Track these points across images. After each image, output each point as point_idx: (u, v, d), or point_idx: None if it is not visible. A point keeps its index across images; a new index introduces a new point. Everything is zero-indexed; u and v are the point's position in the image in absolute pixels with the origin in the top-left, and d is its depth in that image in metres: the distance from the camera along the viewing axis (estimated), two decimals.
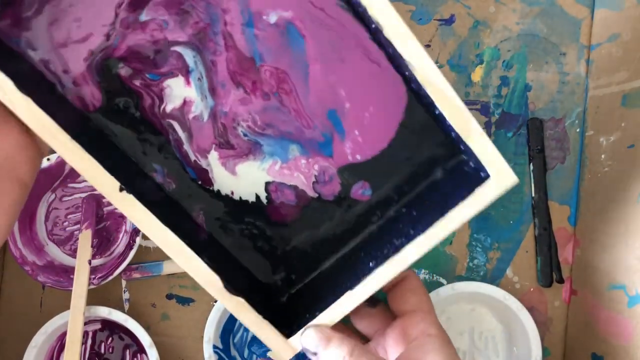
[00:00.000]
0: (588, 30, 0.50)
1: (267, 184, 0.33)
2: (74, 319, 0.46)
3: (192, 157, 0.32)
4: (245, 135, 0.32)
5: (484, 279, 0.50)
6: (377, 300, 0.36)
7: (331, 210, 0.34)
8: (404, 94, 0.31)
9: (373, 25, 0.25)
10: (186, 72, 0.31)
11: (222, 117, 0.32)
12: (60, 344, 0.50)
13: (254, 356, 0.51)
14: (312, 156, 0.32)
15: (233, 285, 0.30)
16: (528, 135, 0.50)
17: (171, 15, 0.30)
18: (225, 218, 0.33)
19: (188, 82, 0.31)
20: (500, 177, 0.29)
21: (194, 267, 0.29)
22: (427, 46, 0.51)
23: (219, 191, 0.33)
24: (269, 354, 0.34)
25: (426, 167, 0.33)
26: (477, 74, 0.51)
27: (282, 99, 0.31)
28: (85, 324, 0.48)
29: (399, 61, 0.26)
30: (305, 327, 0.30)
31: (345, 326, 0.36)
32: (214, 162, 0.32)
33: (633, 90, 0.44)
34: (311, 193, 0.33)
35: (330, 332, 0.30)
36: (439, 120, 0.28)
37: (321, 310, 0.30)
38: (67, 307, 0.47)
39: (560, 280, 0.50)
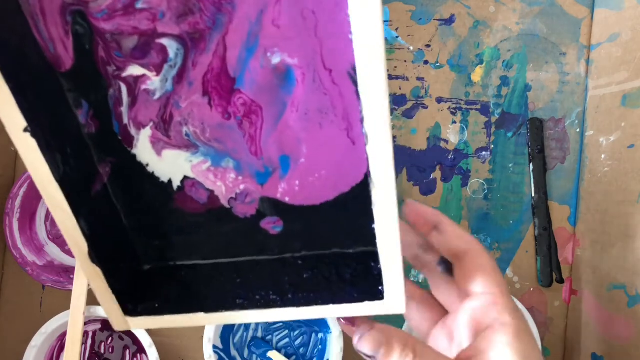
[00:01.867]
0: (588, 30, 0.50)
1: (186, 177, 0.32)
2: (74, 319, 0.46)
3: (125, 121, 0.31)
4: (187, 135, 0.31)
5: None
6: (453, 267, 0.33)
7: (235, 223, 0.33)
8: (362, 176, 0.31)
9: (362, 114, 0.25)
10: (162, 63, 0.30)
11: (173, 106, 0.31)
12: (60, 344, 0.50)
13: (254, 356, 0.51)
14: (244, 176, 0.32)
15: (99, 249, 0.29)
16: (528, 135, 0.50)
17: (170, 9, 0.29)
18: (130, 181, 0.32)
19: (159, 69, 0.30)
20: (392, 304, 0.29)
21: (68, 227, 0.28)
22: (427, 46, 0.51)
23: (134, 156, 0.32)
24: None
25: (343, 242, 0.33)
26: (477, 74, 0.51)
27: (243, 124, 0.31)
28: (85, 324, 0.48)
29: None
30: (359, 330, 0.29)
31: (428, 293, 0.34)
32: (143, 137, 0.31)
33: (633, 90, 0.44)
34: (224, 204, 0.33)
35: (389, 333, 0.28)
36: (371, 225, 0.28)
37: (167, 306, 0.31)
38: (67, 307, 0.47)
39: (560, 280, 0.50)
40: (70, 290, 0.47)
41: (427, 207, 0.32)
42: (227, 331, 0.50)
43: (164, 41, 0.29)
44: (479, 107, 0.51)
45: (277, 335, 0.51)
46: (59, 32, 0.29)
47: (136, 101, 0.30)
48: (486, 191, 0.51)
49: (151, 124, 0.31)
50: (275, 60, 0.29)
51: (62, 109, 0.29)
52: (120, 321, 0.31)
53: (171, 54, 0.29)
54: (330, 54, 0.28)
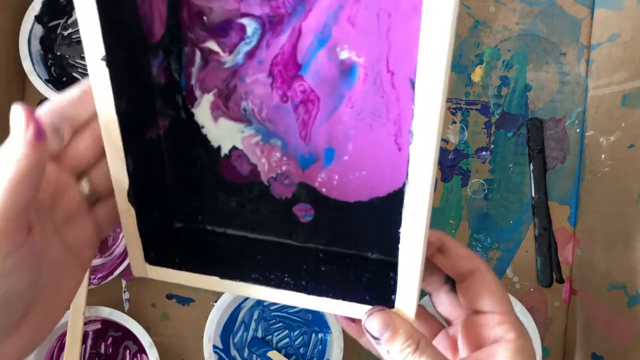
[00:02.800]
0: (588, 30, 0.50)
1: (235, 147, 0.33)
2: (74, 319, 0.46)
3: (192, 81, 0.32)
4: (244, 110, 0.32)
5: None
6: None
7: (269, 202, 0.34)
8: (400, 184, 0.32)
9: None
10: (239, 42, 0.31)
11: (239, 79, 0.32)
12: (60, 344, 0.50)
13: (254, 356, 0.51)
14: (288, 157, 0.32)
15: (138, 192, 0.31)
16: (528, 135, 0.50)
17: None
18: (182, 138, 0.33)
19: (233, 48, 0.31)
20: (400, 314, 0.29)
21: (116, 161, 0.30)
22: None
23: (193, 115, 0.33)
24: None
25: (366, 245, 0.34)
26: (477, 74, 0.51)
27: (298, 109, 0.31)
28: (85, 324, 0.48)
29: None
30: (372, 309, 0.29)
31: (423, 309, 0.35)
32: (205, 101, 0.32)
33: (633, 90, 0.44)
34: (264, 181, 0.34)
35: (399, 321, 0.28)
36: (397, 235, 0.28)
37: (186, 263, 0.32)
38: None
39: (560, 280, 0.50)
40: None
41: (434, 231, 0.32)
42: (227, 331, 0.50)
43: (245, 20, 0.30)
44: (479, 107, 0.51)
45: (277, 335, 0.51)
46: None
47: (207, 66, 0.31)
48: (486, 191, 0.51)
49: (215, 90, 0.32)
50: (343, 55, 0.29)
51: (139, 54, 0.31)
52: (140, 266, 0.33)
53: (249, 32, 0.30)
54: (395, 58, 0.29)
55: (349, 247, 0.34)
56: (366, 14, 0.28)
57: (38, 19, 0.50)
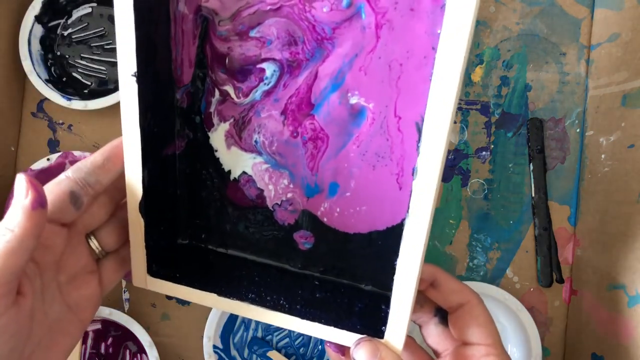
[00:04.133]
0: (588, 30, 0.50)
1: (244, 173, 0.35)
2: None
3: (211, 109, 0.34)
4: (255, 142, 0.34)
5: (484, 279, 0.50)
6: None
7: (271, 227, 0.36)
8: (399, 220, 0.33)
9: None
10: (257, 84, 0.33)
11: (254, 113, 0.33)
12: None
13: (254, 356, 0.51)
14: (295, 185, 0.34)
15: (150, 204, 0.32)
16: (528, 135, 0.50)
17: (278, 38, 0.32)
18: (197, 159, 0.35)
19: (249, 92, 0.33)
20: (389, 345, 0.30)
21: (132, 171, 0.31)
22: None
23: (209, 138, 0.35)
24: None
25: (361, 277, 0.35)
26: (477, 74, 0.51)
27: (307, 144, 0.33)
28: None
29: None
30: (360, 338, 0.30)
31: (412, 340, 0.35)
32: (221, 129, 0.34)
33: (633, 90, 0.44)
34: (269, 206, 0.35)
35: (385, 352, 0.29)
36: (393, 269, 0.29)
37: (186, 278, 0.33)
38: None
39: (560, 280, 0.50)
40: None
41: (427, 266, 0.33)
42: (227, 331, 0.50)
43: (264, 64, 0.32)
44: (479, 107, 0.51)
45: (277, 335, 0.51)
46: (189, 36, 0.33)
47: (225, 102, 0.34)
48: (486, 191, 0.51)
49: (232, 120, 0.34)
50: (353, 100, 0.31)
51: (166, 78, 0.33)
52: (141, 276, 0.34)
53: (268, 74, 0.32)
54: (403, 103, 0.30)
55: (344, 277, 0.35)
56: (379, 63, 0.30)
57: (38, 19, 0.50)
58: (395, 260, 0.28)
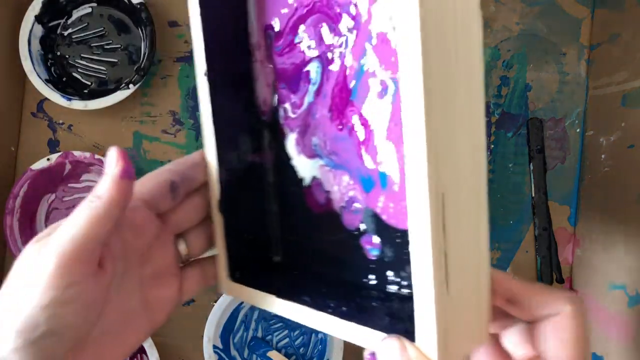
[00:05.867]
0: (588, 30, 0.50)
1: (314, 177, 0.34)
2: None
3: (281, 122, 0.35)
4: (314, 146, 0.34)
5: None
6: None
7: (340, 233, 0.34)
8: None
9: None
10: (307, 85, 0.33)
11: (311, 117, 0.34)
12: None
13: (254, 356, 0.51)
14: (354, 181, 0.33)
15: (227, 207, 0.32)
16: (528, 135, 0.50)
17: (316, 35, 0.32)
18: (277, 164, 0.36)
19: (303, 99, 0.34)
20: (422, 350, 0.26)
21: (213, 177, 0.32)
22: None
23: (285, 146, 0.35)
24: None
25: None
26: None
27: (352, 133, 0.32)
28: None
29: None
30: (389, 336, 0.26)
31: (494, 337, 0.29)
32: (291, 137, 0.35)
33: (633, 90, 0.44)
34: (337, 210, 0.34)
35: (414, 354, 0.25)
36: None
37: (266, 286, 0.32)
38: None
39: (560, 280, 0.50)
40: None
41: (497, 277, 0.27)
42: (227, 331, 0.50)
43: (309, 66, 0.33)
44: None
45: (277, 335, 0.51)
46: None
47: (287, 115, 0.35)
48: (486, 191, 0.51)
49: (297, 129, 0.34)
50: (382, 76, 0.30)
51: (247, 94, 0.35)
52: (223, 281, 0.33)
53: (312, 74, 0.33)
54: None
55: (400, 284, 0.32)
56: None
57: (38, 19, 0.50)
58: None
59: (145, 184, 0.30)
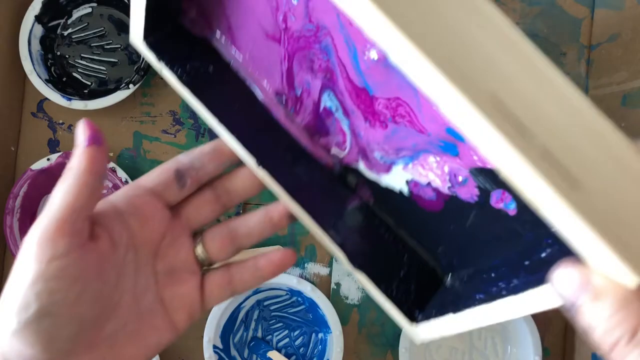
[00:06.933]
0: (588, 30, 0.50)
1: (407, 181, 0.32)
2: None
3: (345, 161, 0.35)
4: (382, 159, 0.32)
5: None
6: None
7: (472, 210, 0.29)
8: None
9: None
10: (331, 117, 0.32)
11: (359, 139, 0.33)
12: None
13: (254, 356, 0.51)
14: (438, 154, 0.30)
15: (361, 257, 0.31)
16: None
17: (308, 74, 0.31)
18: (379, 197, 0.34)
19: (345, 140, 0.33)
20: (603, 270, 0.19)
21: (321, 237, 0.31)
22: None
23: (368, 177, 0.34)
24: None
25: None
26: None
27: (397, 120, 0.30)
28: None
29: None
30: (561, 266, 0.20)
31: None
32: (361, 165, 0.34)
33: (633, 90, 0.44)
34: (449, 193, 0.30)
35: (601, 281, 0.18)
36: None
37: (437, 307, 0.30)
38: None
39: None
40: None
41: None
42: (227, 331, 0.50)
43: (323, 101, 0.32)
44: None
45: (277, 335, 0.51)
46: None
47: (341, 154, 0.34)
48: None
49: (360, 157, 0.33)
50: (374, 55, 0.28)
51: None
52: (411, 330, 0.31)
53: (329, 104, 0.32)
54: None
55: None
56: None
57: (38, 19, 0.50)
58: None
59: (150, 174, 0.30)
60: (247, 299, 0.50)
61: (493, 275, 0.28)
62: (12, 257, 0.48)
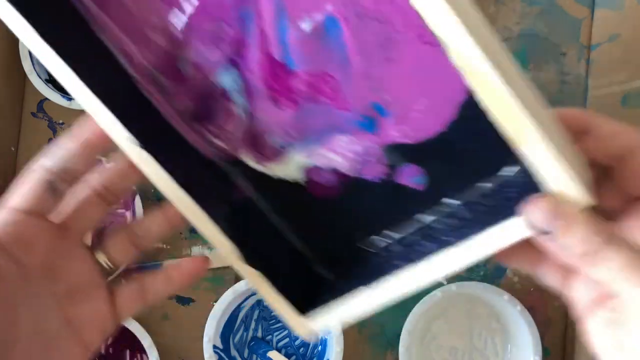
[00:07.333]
0: (588, 30, 0.50)
1: (305, 168, 0.31)
2: None
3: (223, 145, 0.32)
4: (282, 147, 0.30)
5: (484, 279, 0.50)
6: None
7: (375, 191, 0.30)
8: (465, 91, 0.27)
9: None
10: (229, 104, 0.30)
11: (256, 123, 0.30)
12: None
13: (254, 356, 0.51)
14: (352, 133, 0.29)
15: (257, 252, 0.29)
16: None
17: (205, 45, 0.28)
18: (263, 187, 0.32)
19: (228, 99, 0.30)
20: (563, 197, 0.22)
21: (208, 230, 0.28)
22: None
23: (251, 167, 0.31)
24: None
25: (491, 164, 0.27)
26: None
27: (315, 97, 0.28)
28: None
29: None
30: (530, 201, 0.22)
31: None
32: (246, 157, 0.31)
33: (633, 90, 0.44)
34: (353, 175, 0.30)
35: (570, 209, 0.21)
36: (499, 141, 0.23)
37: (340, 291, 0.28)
38: None
39: None
40: None
41: (572, 110, 0.25)
42: (227, 331, 0.50)
43: (217, 80, 0.29)
44: None
45: (277, 335, 0.51)
46: None
47: (218, 142, 0.31)
48: None
49: (248, 148, 0.30)
50: (305, 26, 0.26)
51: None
52: (301, 325, 0.29)
53: (228, 86, 0.29)
54: None
55: (479, 179, 0.28)
56: None
57: None
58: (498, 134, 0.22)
59: (19, 192, 0.27)
60: (247, 299, 0.50)
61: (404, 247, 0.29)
62: None
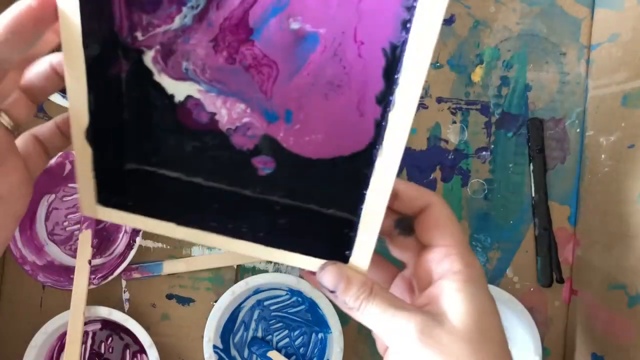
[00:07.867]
0: (588, 30, 0.50)
1: (190, 97, 0.33)
2: (74, 319, 0.46)
3: (139, 37, 0.32)
4: (185, 70, 0.32)
5: None
6: (411, 229, 0.33)
7: (228, 152, 0.34)
8: (364, 146, 0.32)
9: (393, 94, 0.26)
10: (179, 6, 0.30)
11: (181, 41, 0.31)
12: (60, 344, 0.50)
13: (254, 356, 0.51)
14: (252, 110, 0.32)
15: (96, 130, 0.30)
16: (528, 135, 0.50)
17: None
18: (139, 81, 0.33)
19: (173, 18, 0.31)
20: (354, 268, 0.30)
21: (78, 96, 0.29)
22: None
23: (144, 61, 0.32)
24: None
25: (325, 201, 0.34)
26: (477, 74, 0.51)
27: (250, 70, 0.31)
28: (85, 324, 0.48)
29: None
30: (325, 264, 0.30)
31: (379, 255, 0.34)
32: (147, 55, 0.32)
33: (633, 90, 0.44)
34: (223, 130, 0.33)
35: (351, 272, 0.30)
36: (361, 195, 0.29)
37: (140, 207, 0.32)
38: (67, 307, 0.47)
39: (560, 280, 0.50)
40: (70, 290, 0.47)
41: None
42: (227, 331, 0.50)
43: None
44: (479, 107, 0.51)
45: (277, 335, 0.51)
46: None
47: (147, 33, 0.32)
48: (486, 191, 0.51)
49: (157, 47, 0.32)
50: (294, 26, 0.29)
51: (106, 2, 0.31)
52: (90, 206, 0.32)
53: None
54: (366, 28, 0.29)
55: (307, 201, 0.34)
56: None
57: None
58: (363, 186, 0.28)
59: None
60: (247, 299, 0.50)
61: (217, 205, 0.33)
62: (12, 256, 0.48)
